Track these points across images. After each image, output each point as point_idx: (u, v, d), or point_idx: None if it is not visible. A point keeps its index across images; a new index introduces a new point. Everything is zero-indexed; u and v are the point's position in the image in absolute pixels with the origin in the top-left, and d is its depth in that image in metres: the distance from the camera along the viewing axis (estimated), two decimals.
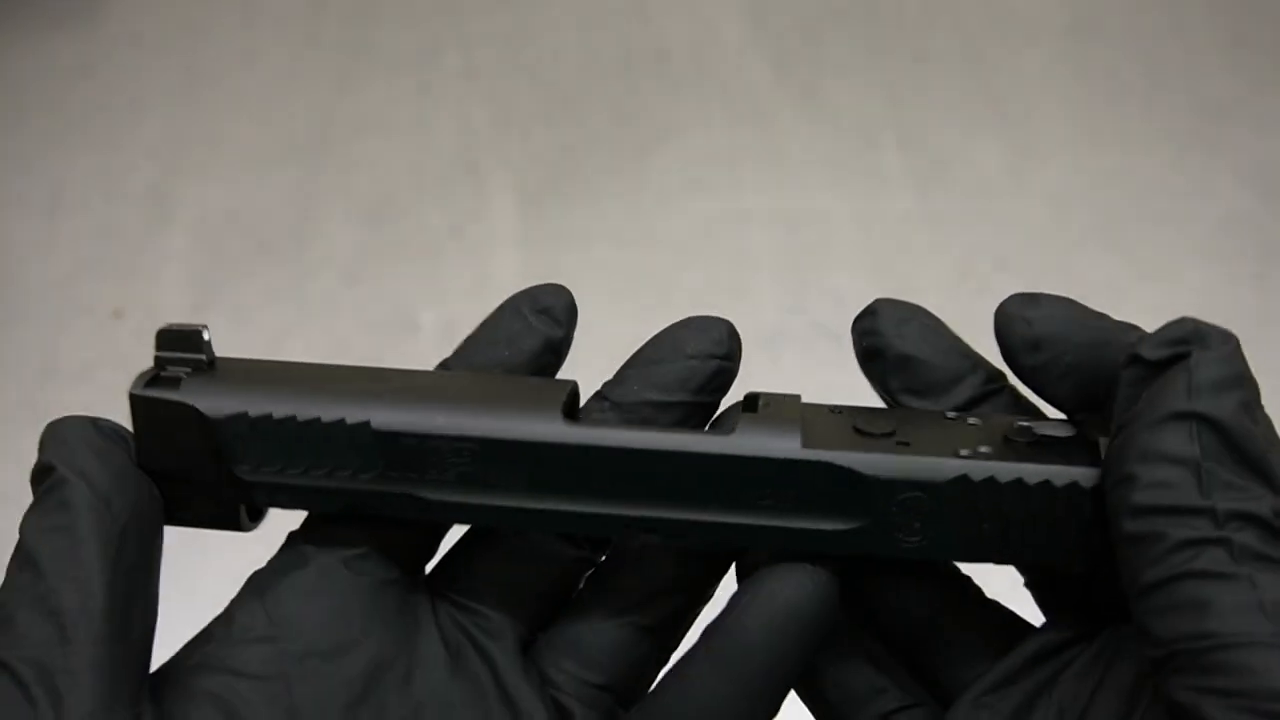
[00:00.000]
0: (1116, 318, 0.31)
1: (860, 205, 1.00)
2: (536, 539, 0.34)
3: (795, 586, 0.30)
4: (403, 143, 1.06)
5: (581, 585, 0.34)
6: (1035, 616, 0.33)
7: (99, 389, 0.89)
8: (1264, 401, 0.27)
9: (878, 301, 0.33)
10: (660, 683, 0.31)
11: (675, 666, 0.31)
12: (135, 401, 0.31)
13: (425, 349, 0.93)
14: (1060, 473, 0.29)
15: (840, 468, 0.30)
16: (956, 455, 0.30)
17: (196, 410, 0.31)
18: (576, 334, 0.35)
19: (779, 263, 0.96)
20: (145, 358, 0.33)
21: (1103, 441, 0.30)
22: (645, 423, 0.32)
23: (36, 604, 0.28)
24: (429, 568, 0.35)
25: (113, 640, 0.28)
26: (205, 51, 1.14)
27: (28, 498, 0.32)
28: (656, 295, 0.94)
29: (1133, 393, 0.28)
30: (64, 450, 0.30)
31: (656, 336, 0.34)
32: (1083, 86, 1.08)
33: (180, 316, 0.95)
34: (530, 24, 1.14)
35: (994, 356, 0.33)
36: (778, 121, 1.07)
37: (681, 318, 0.34)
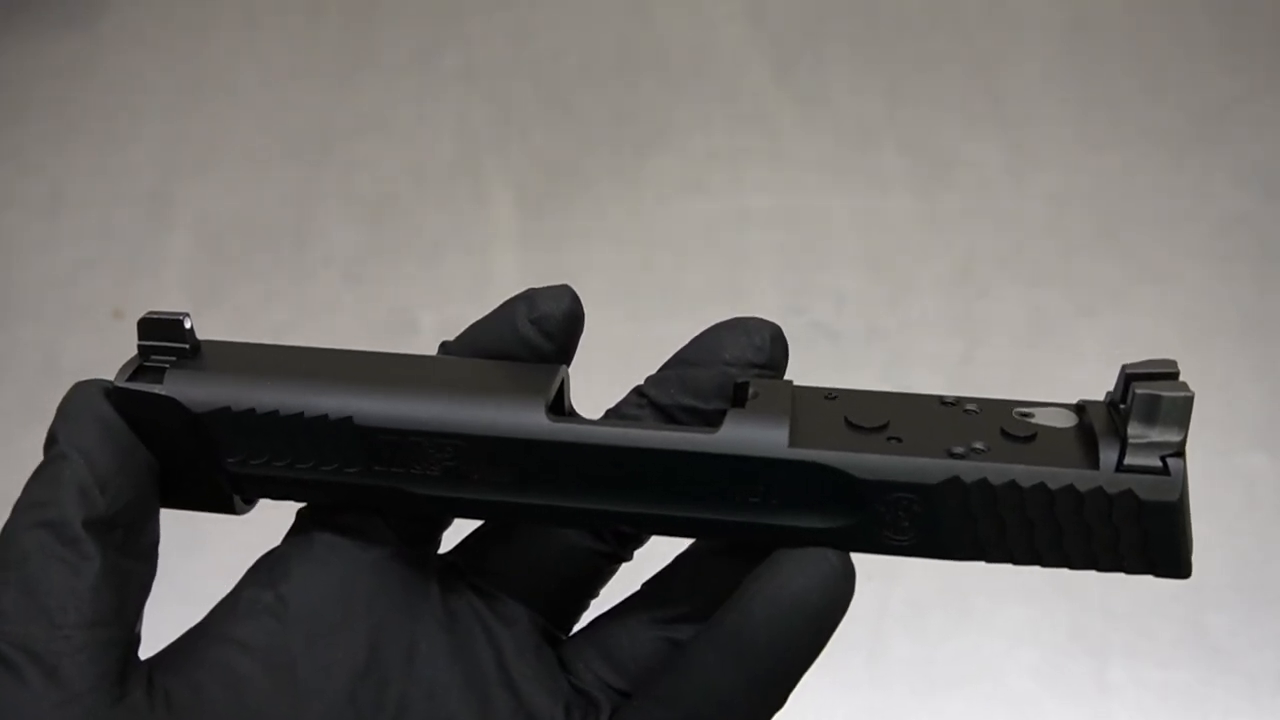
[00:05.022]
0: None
1: (860, 205, 1.00)
2: (559, 530, 0.33)
3: (805, 576, 0.29)
4: (403, 143, 1.06)
5: (637, 589, 0.33)
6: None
7: None
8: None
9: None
10: (667, 668, 0.30)
11: (684, 653, 0.30)
12: (118, 393, 0.30)
13: (425, 349, 0.93)
14: (1056, 475, 0.28)
15: (828, 468, 0.28)
16: (949, 454, 0.28)
17: (180, 404, 0.30)
18: None
19: (779, 263, 0.96)
20: None
21: (1100, 435, 0.28)
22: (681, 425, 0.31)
23: (21, 586, 0.28)
24: (456, 545, 0.35)
25: (99, 623, 0.28)
26: (205, 51, 1.13)
27: None
28: (656, 295, 0.94)
29: None
30: (70, 424, 0.30)
31: (699, 336, 0.32)
32: (1083, 86, 1.08)
33: None
34: (530, 24, 1.14)
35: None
36: (778, 121, 1.06)
37: (730, 317, 0.32)
